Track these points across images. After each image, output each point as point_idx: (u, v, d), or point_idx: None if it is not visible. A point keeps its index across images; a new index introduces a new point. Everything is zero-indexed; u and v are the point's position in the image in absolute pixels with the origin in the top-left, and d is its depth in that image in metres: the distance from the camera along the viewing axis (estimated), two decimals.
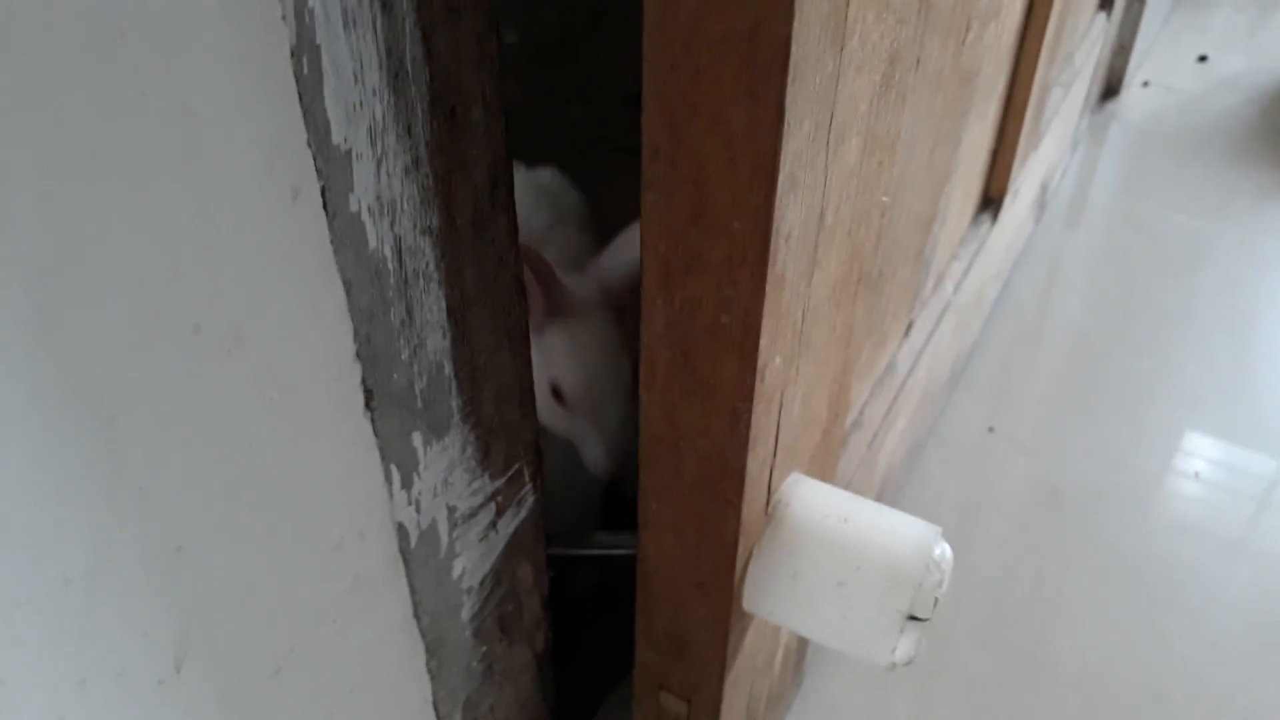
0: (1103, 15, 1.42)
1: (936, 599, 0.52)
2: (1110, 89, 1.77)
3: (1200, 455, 1.09)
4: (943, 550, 0.52)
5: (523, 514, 0.52)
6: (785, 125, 0.36)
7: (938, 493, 1.04)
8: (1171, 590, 0.95)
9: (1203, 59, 1.89)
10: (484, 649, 0.52)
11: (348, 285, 0.35)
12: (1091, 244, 1.45)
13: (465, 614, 0.49)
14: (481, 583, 0.50)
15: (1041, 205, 1.41)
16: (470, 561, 0.48)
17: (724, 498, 0.48)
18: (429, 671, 0.48)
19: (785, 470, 0.54)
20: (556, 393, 0.76)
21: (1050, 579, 0.96)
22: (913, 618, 0.50)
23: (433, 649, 0.47)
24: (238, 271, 0.31)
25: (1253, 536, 1.01)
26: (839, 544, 0.51)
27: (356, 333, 0.36)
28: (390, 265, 0.37)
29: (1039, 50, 0.93)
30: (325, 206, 0.33)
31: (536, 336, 0.77)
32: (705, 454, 0.47)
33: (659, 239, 0.41)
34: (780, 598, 0.52)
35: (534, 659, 0.58)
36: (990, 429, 1.11)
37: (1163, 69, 1.85)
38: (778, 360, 0.45)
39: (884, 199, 0.54)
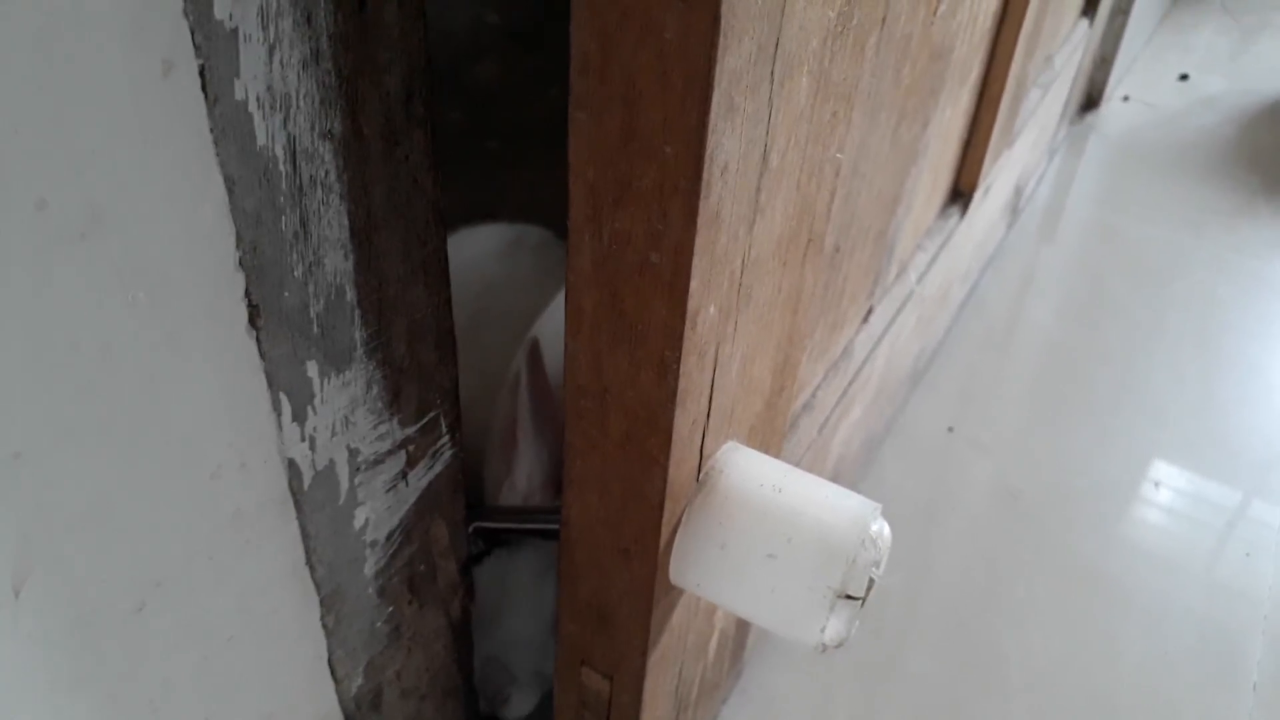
0: (1085, 21, 1.41)
1: (872, 579, 0.49)
2: (1090, 101, 1.76)
3: (1162, 466, 1.07)
4: (880, 527, 0.49)
5: (438, 468, 0.48)
6: (721, 37, 0.33)
7: (894, 490, 1.01)
8: (1125, 598, 0.93)
9: (1184, 78, 1.89)
10: (390, 609, 0.49)
11: (230, 183, 0.32)
12: (1064, 253, 1.43)
13: (368, 569, 0.46)
14: (389, 537, 0.46)
15: (1015, 210, 1.39)
16: (375, 513, 0.45)
17: (650, 455, 0.45)
18: (324, 627, 0.44)
19: (720, 436, 0.51)
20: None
21: (1004, 581, 0.93)
22: (846, 596, 0.47)
23: (328, 603, 0.44)
24: (94, 144, 0.27)
25: (1209, 549, 0.99)
26: (771, 514, 0.48)
27: (240, 238, 0.33)
28: (282, 168, 0.33)
29: (1016, 40, 0.91)
30: (205, 89, 0.30)
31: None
32: (632, 408, 0.45)
33: (587, 164, 0.38)
34: (708, 569, 0.49)
35: (448, 625, 0.55)
36: (950, 429, 1.09)
37: (1144, 85, 1.85)
38: (712, 310, 0.43)
39: (839, 155, 0.51)
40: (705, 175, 0.36)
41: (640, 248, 0.39)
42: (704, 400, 0.46)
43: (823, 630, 0.47)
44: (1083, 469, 1.06)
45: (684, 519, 0.50)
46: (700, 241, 0.38)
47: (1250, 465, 1.08)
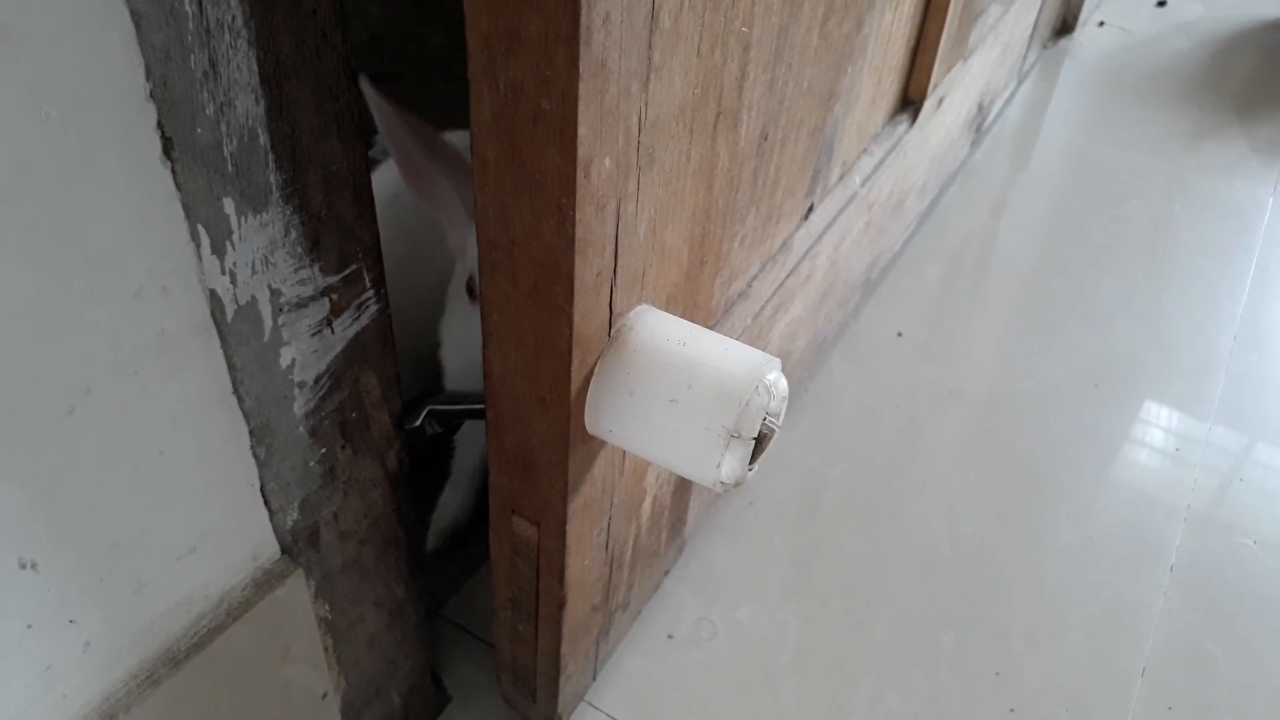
0: None
1: (771, 427, 0.53)
2: (1065, 26, 1.77)
3: (1103, 370, 1.11)
4: (777, 378, 0.53)
5: (364, 320, 0.52)
6: None
7: (840, 388, 1.05)
8: (1056, 490, 0.97)
9: (1161, 4, 1.89)
10: (323, 450, 0.53)
11: (136, 18, 0.35)
12: (1026, 173, 1.45)
13: (298, 408, 0.50)
14: (317, 380, 0.50)
15: (978, 128, 1.41)
16: (301, 354, 0.49)
17: (556, 304, 0.49)
18: (255, 456, 0.48)
19: (631, 297, 0.54)
20: (471, 289, 0.77)
21: (939, 473, 0.98)
22: (739, 436, 0.51)
23: (259, 434, 0.48)
24: None
25: (1141, 446, 1.03)
26: (675, 364, 0.52)
27: (150, 71, 0.36)
28: (189, 8, 0.36)
29: None
30: None
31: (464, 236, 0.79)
32: (537, 258, 0.48)
33: (480, 14, 0.41)
34: (617, 416, 0.53)
35: (385, 476, 0.59)
36: (899, 334, 1.12)
37: (1120, 11, 1.85)
38: (608, 162, 0.46)
39: (744, 29, 0.54)
40: (584, 21, 0.39)
41: (532, 96, 0.42)
42: (608, 254, 0.50)
43: (719, 467, 0.51)
44: (1026, 373, 1.10)
45: (596, 370, 0.53)
46: (585, 89, 0.41)
47: (1188, 371, 1.12)
